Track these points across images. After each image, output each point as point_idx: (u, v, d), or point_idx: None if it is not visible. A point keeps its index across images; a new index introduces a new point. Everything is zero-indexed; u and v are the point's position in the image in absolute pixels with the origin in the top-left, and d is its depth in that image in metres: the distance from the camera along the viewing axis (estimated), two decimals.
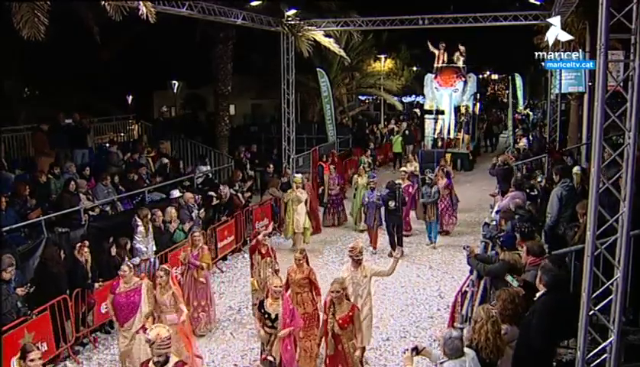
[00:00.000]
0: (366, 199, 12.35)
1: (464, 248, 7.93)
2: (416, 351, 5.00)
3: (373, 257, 11.86)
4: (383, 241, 12.48)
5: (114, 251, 8.97)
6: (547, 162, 14.33)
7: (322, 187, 15.48)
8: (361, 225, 13.56)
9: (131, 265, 7.46)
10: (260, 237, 8.61)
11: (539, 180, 11.59)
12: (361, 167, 14.98)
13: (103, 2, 9.30)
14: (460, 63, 21.90)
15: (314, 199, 14.00)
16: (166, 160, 14.06)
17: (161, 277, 7.07)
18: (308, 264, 7.68)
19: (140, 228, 9.55)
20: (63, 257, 8.23)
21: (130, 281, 7.10)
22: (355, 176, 14.55)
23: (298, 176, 12.88)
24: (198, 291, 8.57)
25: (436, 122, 22.06)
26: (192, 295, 8.50)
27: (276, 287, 6.42)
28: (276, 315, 6.33)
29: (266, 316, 6.38)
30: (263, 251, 8.44)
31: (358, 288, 7.08)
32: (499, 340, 4.93)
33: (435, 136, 21.67)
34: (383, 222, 12.20)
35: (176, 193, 11.54)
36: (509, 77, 28.08)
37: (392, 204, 11.79)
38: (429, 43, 22.02)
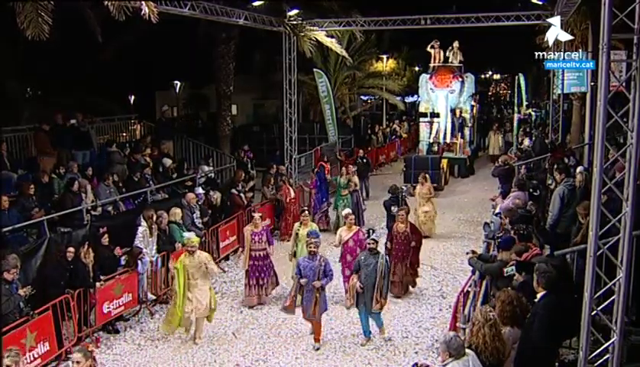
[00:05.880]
0: (301, 271, 7.87)
1: (467, 254, 7.96)
2: None
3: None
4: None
5: (117, 250, 9.00)
6: (548, 162, 14.27)
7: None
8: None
9: None
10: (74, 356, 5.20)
11: (549, 182, 11.40)
12: (303, 214, 9.90)
13: (106, 2, 9.31)
14: (457, 62, 20.66)
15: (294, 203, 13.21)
16: (168, 161, 14.04)
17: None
18: None
19: (142, 229, 9.52)
20: (61, 257, 8.22)
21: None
22: (296, 225, 9.85)
23: (192, 235, 8.79)
24: None
25: (431, 126, 20.29)
26: None
27: None
28: None
29: None
30: None
31: None
32: (498, 342, 4.88)
33: (431, 140, 19.91)
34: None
35: (199, 190, 12.17)
36: (514, 77, 27.72)
37: (394, 210, 10.50)
38: (429, 46, 21.20)
